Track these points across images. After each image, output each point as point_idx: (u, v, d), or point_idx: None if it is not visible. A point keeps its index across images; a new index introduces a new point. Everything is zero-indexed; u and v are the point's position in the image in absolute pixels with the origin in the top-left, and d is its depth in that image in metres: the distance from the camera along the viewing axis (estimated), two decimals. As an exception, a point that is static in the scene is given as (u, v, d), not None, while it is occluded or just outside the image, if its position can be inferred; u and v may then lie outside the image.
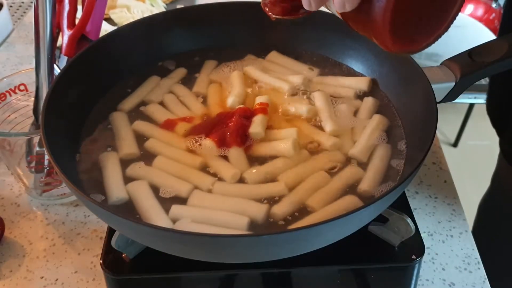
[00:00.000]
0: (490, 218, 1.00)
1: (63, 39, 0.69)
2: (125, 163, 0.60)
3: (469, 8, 2.04)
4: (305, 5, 0.48)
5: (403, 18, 0.45)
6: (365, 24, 0.47)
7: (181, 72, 0.74)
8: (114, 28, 0.93)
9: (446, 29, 0.49)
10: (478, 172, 2.04)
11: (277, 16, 0.55)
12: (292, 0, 0.54)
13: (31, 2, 1.31)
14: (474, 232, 0.99)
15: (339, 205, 0.55)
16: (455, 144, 2.36)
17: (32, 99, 0.71)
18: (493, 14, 2.09)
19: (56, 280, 0.65)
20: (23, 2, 1.32)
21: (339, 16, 0.49)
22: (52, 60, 0.67)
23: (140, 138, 0.64)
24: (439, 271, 0.66)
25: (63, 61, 0.69)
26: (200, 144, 0.62)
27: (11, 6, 1.30)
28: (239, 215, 0.53)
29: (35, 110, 0.70)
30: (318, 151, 0.61)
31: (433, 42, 0.49)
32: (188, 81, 0.73)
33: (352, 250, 0.56)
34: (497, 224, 0.96)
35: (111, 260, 0.55)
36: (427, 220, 0.72)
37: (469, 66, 0.62)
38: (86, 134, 0.64)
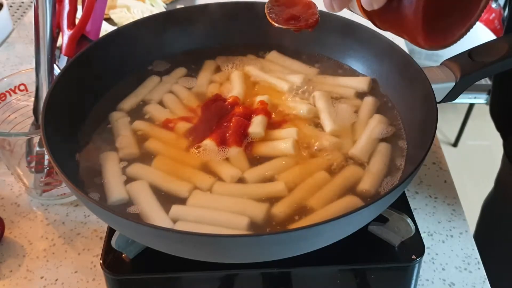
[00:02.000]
0: (493, 220, 1.00)
1: (63, 39, 0.69)
2: (125, 163, 0.60)
3: (469, 8, 2.04)
4: (327, 7, 0.48)
5: (434, 12, 0.44)
6: (394, 21, 0.46)
7: (181, 72, 0.74)
8: (114, 28, 0.93)
9: (476, 19, 0.48)
10: (478, 172, 2.04)
11: (279, 26, 0.55)
12: (297, 16, 0.54)
13: (31, 2, 1.31)
14: (477, 233, 0.99)
15: (339, 205, 0.55)
16: (455, 144, 2.36)
17: (32, 99, 0.71)
18: (493, 14, 2.09)
19: (56, 280, 0.65)
20: (23, 2, 1.32)
21: (364, 16, 0.48)
22: (52, 60, 0.67)
23: (140, 138, 0.64)
24: (439, 271, 0.66)
25: (63, 61, 0.69)
26: (200, 144, 0.62)
27: (11, 6, 1.30)
28: (239, 215, 0.53)
29: (35, 110, 0.70)
30: (318, 150, 0.61)
31: (465, 34, 0.48)
32: (188, 81, 0.73)
33: (352, 250, 0.56)
34: (501, 226, 0.96)
35: (111, 260, 0.55)
36: (427, 220, 0.72)
37: (469, 66, 0.62)
38: (86, 134, 0.64)
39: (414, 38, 0.46)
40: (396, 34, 0.48)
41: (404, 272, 0.57)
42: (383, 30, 0.50)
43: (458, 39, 0.49)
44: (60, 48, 0.70)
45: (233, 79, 0.72)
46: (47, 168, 0.70)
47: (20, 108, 0.74)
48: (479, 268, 0.66)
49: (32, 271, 0.66)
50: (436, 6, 0.44)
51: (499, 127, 0.89)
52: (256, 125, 0.63)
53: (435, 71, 0.63)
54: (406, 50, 0.95)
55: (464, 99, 2.14)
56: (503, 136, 0.89)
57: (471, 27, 0.48)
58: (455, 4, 0.46)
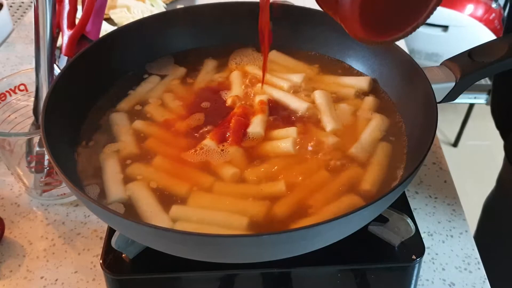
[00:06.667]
0: (495, 220, 1.00)
1: (63, 39, 0.69)
2: (124, 163, 0.60)
3: (469, 8, 2.05)
4: None
5: (374, 6, 0.42)
6: (332, 5, 0.44)
7: (180, 71, 0.74)
8: (114, 28, 0.93)
9: (425, 19, 0.45)
10: (478, 172, 2.04)
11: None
12: None
13: (31, 2, 1.31)
14: (478, 233, 0.99)
15: (340, 204, 0.55)
16: (455, 144, 2.36)
17: (32, 99, 0.71)
18: (493, 14, 2.09)
19: (56, 280, 0.65)
20: (23, 2, 1.32)
21: None
22: (52, 60, 0.67)
23: (140, 138, 0.64)
24: (439, 271, 0.66)
25: (63, 61, 0.69)
26: (199, 144, 0.62)
27: (11, 6, 1.30)
28: (239, 215, 0.53)
29: (35, 110, 0.70)
30: (318, 150, 0.61)
31: (408, 34, 0.46)
32: (188, 81, 0.73)
33: (352, 250, 0.56)
34: (502, 226, 0.96)
35: (111, 260, 0.55)
36: (427, 220, 0.72)
37: (469, 66, 0.62)
38: (86, 134, 0.64)
39: (351, 29, 0.43)
40: (335, 20, 0.45)
41: (404, 272, 0.57)
42: (324, 10, 0.47)
43: (400, 38, 0.46)
44: (60, 48, 0.70)
45: (233, 79, 0.72)
46: (47, 168, 0.70)
47: (20, 108, 0.74)
48: (479, 268, 0.66)
49: (32, 271, 0.66)
50: (377, 2, 0.41)
51: (499, 124, 0.89)
52: (256, 125, 0.63)
53: (435, 71, 0.63)
54: (406, 50, 0.95)
55: (464, 99, 2.14)
56: (502, 135, 0.89)
57: (417, 26, 0.45)
58: (400, 4, 0.44)
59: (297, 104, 0.67)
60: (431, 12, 0.45)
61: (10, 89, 0.73)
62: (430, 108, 0.56)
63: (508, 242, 0.94)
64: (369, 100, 0.68)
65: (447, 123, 2.39)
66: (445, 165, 0.80)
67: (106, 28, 1.09)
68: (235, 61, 0.76)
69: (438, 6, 0.44)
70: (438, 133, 0.60)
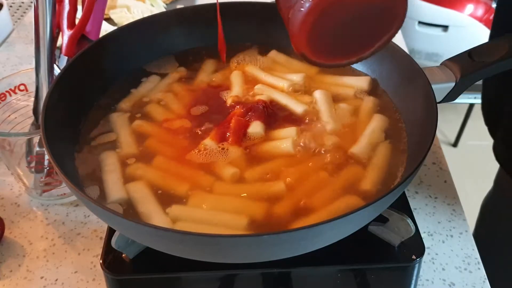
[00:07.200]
0: (492, 220, 1.00)
1: (63, 39, 0.69)
2: (124, 163, 0.60)
3: (469, 8, 2.05)
4: None
5: (323, 32, 0.43)
6: (285, 16, 0.44)
7: (181, 71, 0.74)
8: (114, 28, 0.93)
9: (369, 55, 0.47)
10: (478, 172, 2.04)
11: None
12: None
13: (31, 2, 1.31)
14: (476, 233, 0.99)
15: (340, 205, 0.55)
16: (455, 144, 2.36)
17: (32, 99, 0.71)
18: (493, 14, 2.09)
19: (56, 280, 0.65)
20: (23, 2, 1.32)
21: None
22: (52, 60, 0.67)
23: (140, 138, 0.64)
24: (439, 271, 0.66)
25: (63, 61, 0.69)
26: (199, 144, 0.62)
27: (11, 6, 1.30)
28: (239, 215, 0.53)
29: (35, 110, 0.70)
30: (318, 150, 0.61)
31: (350, 64, 0.48)
32: (188, 80, 0.73)
33: (352, 250, 0.56)
34: (500, 225, 0.96)
35: (111, 260, 0.55)
36: (427, 220, 0.72)
37: (469, 66, 0.62)
38: (86, 134, 0.64)
39: (297, 47, 0.44)
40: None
41: (404, 272, 0.57)
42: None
43: (345, 65, 0.48)
44: (60, 48, 0.69)
45: (232, 79, 0.72)
46: (47, 168, 0.70)
47: (20, 108, 0.74)
48: (479, 268, 0.66)
49: (32, 271, 0.66)
50: (328, 29, 0.42)
51: (488, 122, 0.90)
52: (256, 125, 0.63)
53: (435, 71, 0.63)
54: (406, 50, 0.95)
55: (464, 99, 2.14)
56: (490, 131, 0.89)
57: (362, 59, 0.48)
58: (352, 34, 0.45)
59: (297, 104, 0.67)
60: (377, 49, 0.47)
61: (10, 89, 0.73)
62: (430, 108, 0.56)
63: (506, 242, 0.94)
64: (369, 100, 0.68)
65: (447, 123, 2.39)
66: (445, 165, 0.80)
67: (106, 28, 1.09)
68: (236, 61, 0.76)
69: (388, 42, 0.47)
70: (438, 133, 0.60)
